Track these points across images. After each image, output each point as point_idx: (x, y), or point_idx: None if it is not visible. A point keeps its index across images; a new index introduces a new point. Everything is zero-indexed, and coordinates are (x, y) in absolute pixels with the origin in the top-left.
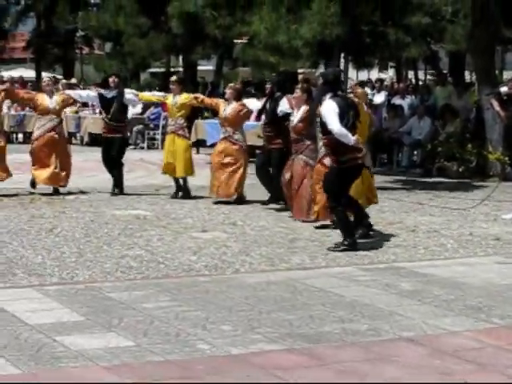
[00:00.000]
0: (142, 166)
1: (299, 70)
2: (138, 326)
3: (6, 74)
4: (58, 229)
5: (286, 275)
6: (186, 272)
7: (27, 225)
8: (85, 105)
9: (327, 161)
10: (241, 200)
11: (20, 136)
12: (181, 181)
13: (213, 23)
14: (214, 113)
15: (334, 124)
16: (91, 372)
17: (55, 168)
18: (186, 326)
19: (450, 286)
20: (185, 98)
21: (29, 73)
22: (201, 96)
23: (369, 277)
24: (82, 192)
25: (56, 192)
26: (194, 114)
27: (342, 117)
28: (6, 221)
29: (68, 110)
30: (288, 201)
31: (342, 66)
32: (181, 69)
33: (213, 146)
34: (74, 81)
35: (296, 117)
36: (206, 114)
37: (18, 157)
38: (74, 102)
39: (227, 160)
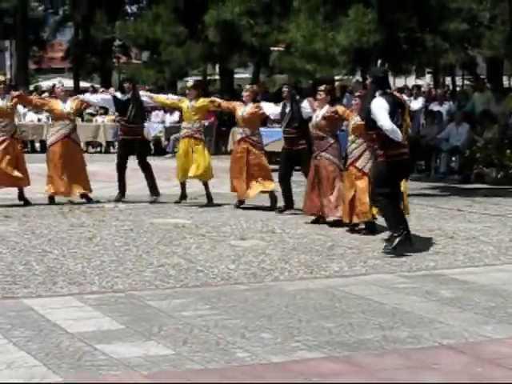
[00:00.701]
0: None
1: (336, 77)
2: (178, 334)
3: (45, 84)
4: (98, 237)
5: (324, 283)
6: (225, 280)
7: (67, 233)
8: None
9: (359, 163)
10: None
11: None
12: (192, 186)
13: (249, 31)
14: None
15: (385, 121)
16: (131, 380)
17: (70, 177)
18: (226, 335)
19: (490, 293)
20: (201, 102)
21: (67, 82)
22: (217, 100)
23: (408, 284)
24: (121, 201)
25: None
26: (231, 121)
27: (392, 114)
28: (47, 229)
29: (106, 120)
30: (306, 198)
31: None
32: (217, 77)
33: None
34: (112, 90)
35: (318, 115)
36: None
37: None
38: (88, 106)
39: (248, 161)
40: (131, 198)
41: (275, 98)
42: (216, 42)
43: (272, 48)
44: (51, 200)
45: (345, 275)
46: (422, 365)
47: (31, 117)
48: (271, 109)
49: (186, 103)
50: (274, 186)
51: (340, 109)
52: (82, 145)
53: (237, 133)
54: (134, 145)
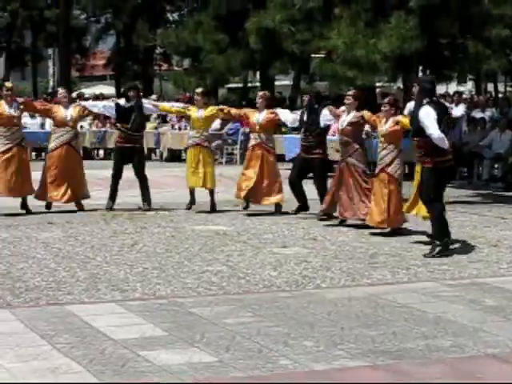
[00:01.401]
0: (221, 181)
1: (377, 84)
2: (220, 341)
3: (88, 91)
4: (140, 244)
5: (367, 291)
6: (267, 287)
7: (110, 240)
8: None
9: (391, 169)
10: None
11: (101, 152)
12: (194, 193)
13: (290, 38)
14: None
15: (434, 129)
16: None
17: (69, 185)
18: (268, 342)
19: None
20: (210, 110)
21: (109, 89)
22: (226, 107)
23: (451, 292)
24: (162, 208)
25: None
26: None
27: (439, 122)
28: (90, 236)
29: (147, 127)
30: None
31: None
32: (258, 84)
33: (291, 160)
34: (153, 97)
35: (345, 120)
36: (283, 130)
37: (99, 173)
38: (90, 113)
39: (261, 166)
40: (172, 205)
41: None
42: (257, 49)
43: (313, 55)
44: (47, 207)
45: (387, 283)
46: (465, 374)
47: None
48: (287, 116)
49: (194, 112)
50: (282, 196)
51: (366, 114)
52: None
53: (251, 138)
54: (132, 153)
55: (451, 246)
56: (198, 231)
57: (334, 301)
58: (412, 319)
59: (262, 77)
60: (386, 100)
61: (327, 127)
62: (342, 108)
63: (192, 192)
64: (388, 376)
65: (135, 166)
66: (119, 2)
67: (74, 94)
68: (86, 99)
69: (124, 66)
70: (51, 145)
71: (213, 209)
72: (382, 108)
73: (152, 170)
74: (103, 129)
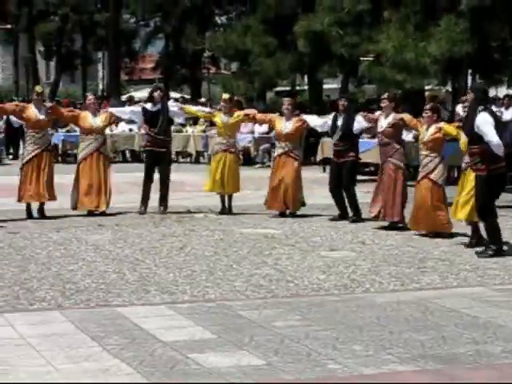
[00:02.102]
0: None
1: (426, 87)
2: (269, 344)
3: (137, 95)
4: (189, 247)
5: (416, 295)
6: (316, 291)
7: (159, 243)
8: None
9: (434, 176)
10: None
11: None
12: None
13: (339, 41)
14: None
15: (493, 136)
16: None
17: (98, 192)
18: (317, 346)
19: None
20: (236, 116)
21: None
22: (252, 112)
23: (501, 297)
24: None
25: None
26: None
27: (496, 128)
28: (139, 239)
29: (196, 130)
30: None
31: (469, 83)
32: (306, 87)
33: None
34: (203, 100)
35: (385, 122)
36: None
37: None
38: (118, 119)
39: (289, 175)
40: (220, 208)
41: (365, 108)
42: (305, 52)
43: (361, 58)
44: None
45: (436, 287)
46: None
47: (123, 127)
48: (316, 121)
49: (219, 118)
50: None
51: (406, 117)
52: (173, 155)
53: (278, 147)
54: (160, 156)
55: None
56: (247, 234)
57: (383, 305)
58: (462, 324)
59: (310, 80)
60: (428, 106)
61: (360, 134)
62: (377, 113)
63: (222, 198)
64: (437, 381)
65: (161, 169)
66: (168, 6)
67: (124, 98)
68: (136, 102)
69: (172, 69)
70: (81, 154)
71: (230, 212)
72: (424, 114)
73: (200, 173)
74: None
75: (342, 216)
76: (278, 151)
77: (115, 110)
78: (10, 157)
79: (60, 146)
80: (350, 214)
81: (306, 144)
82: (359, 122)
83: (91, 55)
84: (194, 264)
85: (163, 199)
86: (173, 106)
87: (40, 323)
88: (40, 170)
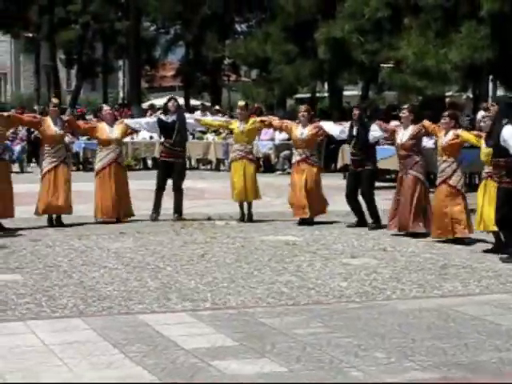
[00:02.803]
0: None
1: (446, 94)
2: (291, 352)
3: (157, 102)
4: (210, 254)
5: (438, 302)
6: (337, 298)
7: (180, 250)
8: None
9: (452, 181)
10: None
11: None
12: (245, 205)
13: (359, 48)
14: None
15: None
16: None
17: (117, 201)
18: (339, 353)
19: None
20: (252, 123)
21: (178, 100)
22: (268, 119)
23: None
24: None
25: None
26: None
27: None
28: (160, 246)
29: (217, 137)
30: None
31: (490, 89)
32: (326, 94)
33: None
34: (217, 108)
35: (405, 135)
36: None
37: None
38: (133, 131)
39: (309, 182)
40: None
41: (386, 115)
42: (326, 59)
43: (382, 65)
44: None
45: (459, 295)
46: None
47: (144, 134)
48: (333, 128)
49: (236, 125)
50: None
51: (426, 122)
52: (193, 162)
53: (296, 154)
54: (174, 167)
55: None
56: (268, 241)
57: (404, 312)
58: (484, 331)
59: (330, 87)
60: (446, 113)
61: (376, 142)
62: (394, 123)
63: (241, 205)
64: None
65: (175, 179)
66: (188, 14)
67: (145, 105)
68: (157, 110)
69: (193, 76)
70: (98, 165)
71: (250, 219)
72: (442, 120)
73: (220, 181)
74: None
75: (360, 223)
76: (295, 158)
77: (131, 122)
78: (32, 165)
79: (81, 153)
80: (369, 221)
81: (327, 151)
82: (374, 131)
83: (112, 63)
84: (215, 271)
85: (178, 208)
86: (189, 118)
87: (62, 330)
88: (57, 182)
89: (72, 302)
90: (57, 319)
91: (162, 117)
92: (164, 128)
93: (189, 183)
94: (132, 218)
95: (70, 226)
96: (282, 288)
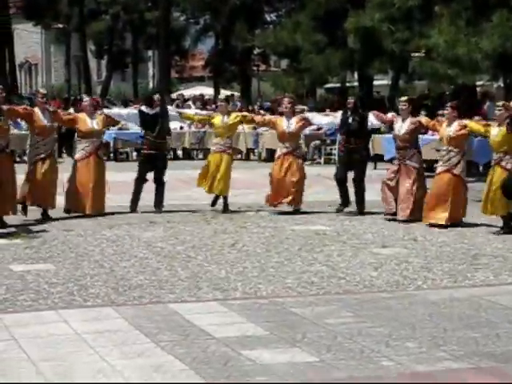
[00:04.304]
0: (320, 181)
1: (477, 83)
2: (322, 341)
3: (187, 92)
4: (240, 244)
5: (469, 292)
6: (368, 288)
7: (211, 240)
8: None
9: (457, 170)
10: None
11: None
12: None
13: (389, 37)
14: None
15: None
16: None
17: (95, 194)
18: (370, 343)
19: None
20: (234, 117)
21: (207, 90)
22: (250, 114)
23: None
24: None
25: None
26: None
27: None
28: (191, 236)
29: (246, 127)
30: (385, 203)
31: None
32: (356, 83)
33: (390, 160)
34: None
35: (403, 127)
36: (382, 129)
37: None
38: (114, 122)
39: (293, 174)
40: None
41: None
42: (356, 48)
43: (412, 54)
44: (68, 212)
45: (490, 284)
46: None
47: (174, 125)
48: (321, 119)
49: (218, 119)
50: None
51: (424, 119)
52: None
53: (281, 147)
54: (156, 159)
55: None
56: (298, 231)
57: (435, 302)
58: None
59: (360, 76)
60: (449, 104)
61: (371, 130)
62: (391, 114)
63: (217, 196)
64: (493, 379)
65: (157, 171)
66: (218, 4)
67: (174, 95)
68: (186, 100)
69: (222, 66)
70: (77, 155)
71: (225, 210)
72: (445, 112)
73: (251, 171)
74: (203, 129)
75: (344, 205)
76: (281, 151)
77: (112, 112)
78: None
79: (112, 143)
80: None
81: None
82: (371, 121)
83: (142, 53)
84: (245, 261)
85: (159, 201)
86: (171, 111)
87: (94, 319)
88: (45, 175)
89: (103, 291)
90: (88, 308)
91: (144, 109)
92: (145, 120)
93: None
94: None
95: (54, 220)
96: (313, 278)
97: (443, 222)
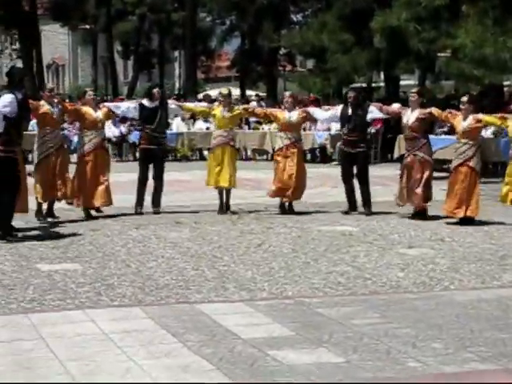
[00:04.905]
0: None
1: (505, 83)
2: (348, 342)
3: (213, 93)
4: (266, 244)
5: (497, 293)
6: (394, 288)
7: (237, 240)
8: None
9: (473, 163)
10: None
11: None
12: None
13: (416, 37)
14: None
15: None
16: None
17: (106, 188)
18: (396, 344)
19: None
20: (235, 110)
21: (233, 91)
22: (250, 107)
23: None
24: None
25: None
26: (397, 128)
27: None
28: (217, 236)
29: (272, 127)
30: (401, 195)
31: None
32: (382, 84)
33: None
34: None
35: (411, 116)
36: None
37: None
38: (114, 114)
39: (297, 166)
40: (298, 206)
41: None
42: (382, 48)
43: (439, 53)
44: (87, 213)
45: None
46: None
47: (200, 125)
48: (322, 114)
49: (219, 111)
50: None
51: (435, 111)
52: (249, 152)
53: (283, 138)
54: (155, 154)
55: None
56: (324, 231)
57: (462, 303)
58: None
59: (386, 76)
60: (465, 98)
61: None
62: (396, 105)
63: (221, 195)
64: None
65: (156, 167)
66: (244, 4)
67: (201, 95)
68: (213, 101)
69: (248, 67)
70: (85, 147)
71: (228, 208)
72: (461, 106)
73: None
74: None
75: (352, 209)
76: (283, 142)
77: (111, 105)
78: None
79: (137, 143)
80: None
81: (383, 141)
82: (372, 112)
83: (168, 54)
84: (271, 261)
85: (157, 199)
86: (171, 104)
87: (121, 319)
88: (55, 170)
89: (130, 291)
90: (115, 308)
91: (144, 101)
92: (145, 113)
93: (244, 173)
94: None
95: (57, 217)
96: (339, 278)
97: (460, 215)
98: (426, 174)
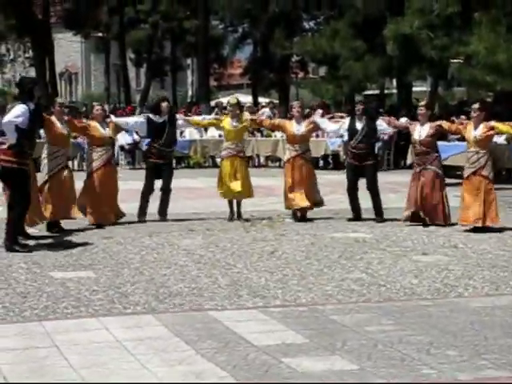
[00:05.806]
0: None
1: None
2: (362, 349)
3: (225, 100)
4: (280, 251)
5: (511, 300)
6: (408, 295)
7: (250, 247)
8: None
9: (485, 172)
10: (320, 204)
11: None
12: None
13: (429, 44)
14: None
15: None
16: None
17: (114, 204)
18: (411, 351)
19: None
20: (244, 121)
21: (246, 98)
22: (259, 118)
23: None
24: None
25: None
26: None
27: None
28: (230, 243)
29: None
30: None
31: None
32: (394, 90)
33: None
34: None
35: (423, 131)
36: None
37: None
38: (121, 130)
39: (306, 177)
40: (310, 213)
41: (456, 112)
42: (394, 55)
43: (451, 60)
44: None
45: None
46: None
47: (213, 132)
48: (330, 126)
49: (227, 123)
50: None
51: (445, 124)
52: (262, 159)
53: (291, 150)
54: (162, 169)
55: None
56: (337, 238)
57: (477, 310)
58: None
59: (398, 83)
60: (476, 106)
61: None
62: (405, 119)
63: (231, 203)
64: None
65: (164, 180)
66: (256, 12)
67: (213, 103)
68: (224, 108)
69: (261, 74)
70: (94, 164)
71: (239, 216)
72: (473, 113)
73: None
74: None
75: (356, 218)
76: (290, 154)
77: (119, 121)
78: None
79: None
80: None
81: (396, 148)
82: (380, 126)
83: (181, 61)
84: (285, 268)
85: (164, 209)
86: (179, 120)
87: (134, 327)
88: (64, 187)
89: (144, 298)
90: (129, 316)
91: (152, 116)
92: (153, 128)
93: (258, 181)
94: (121, 219)
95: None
96: (352, 285)
97: (479, 224)
98: (439, 189)
